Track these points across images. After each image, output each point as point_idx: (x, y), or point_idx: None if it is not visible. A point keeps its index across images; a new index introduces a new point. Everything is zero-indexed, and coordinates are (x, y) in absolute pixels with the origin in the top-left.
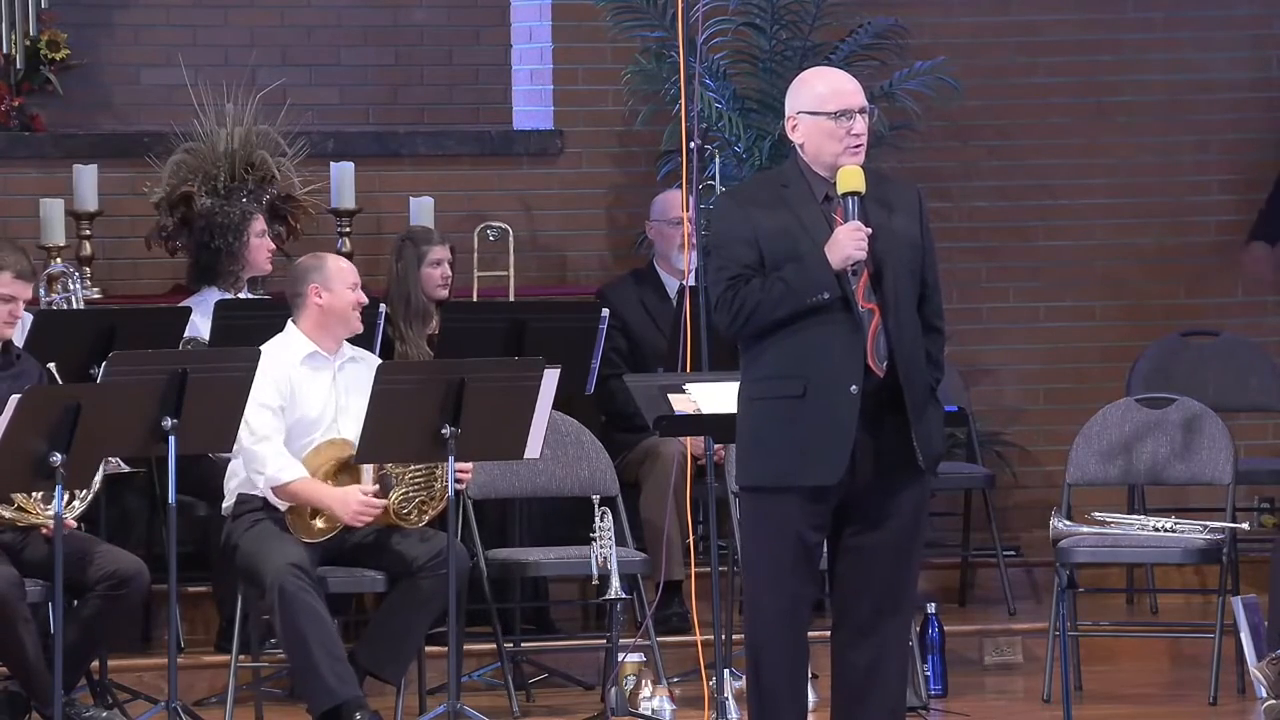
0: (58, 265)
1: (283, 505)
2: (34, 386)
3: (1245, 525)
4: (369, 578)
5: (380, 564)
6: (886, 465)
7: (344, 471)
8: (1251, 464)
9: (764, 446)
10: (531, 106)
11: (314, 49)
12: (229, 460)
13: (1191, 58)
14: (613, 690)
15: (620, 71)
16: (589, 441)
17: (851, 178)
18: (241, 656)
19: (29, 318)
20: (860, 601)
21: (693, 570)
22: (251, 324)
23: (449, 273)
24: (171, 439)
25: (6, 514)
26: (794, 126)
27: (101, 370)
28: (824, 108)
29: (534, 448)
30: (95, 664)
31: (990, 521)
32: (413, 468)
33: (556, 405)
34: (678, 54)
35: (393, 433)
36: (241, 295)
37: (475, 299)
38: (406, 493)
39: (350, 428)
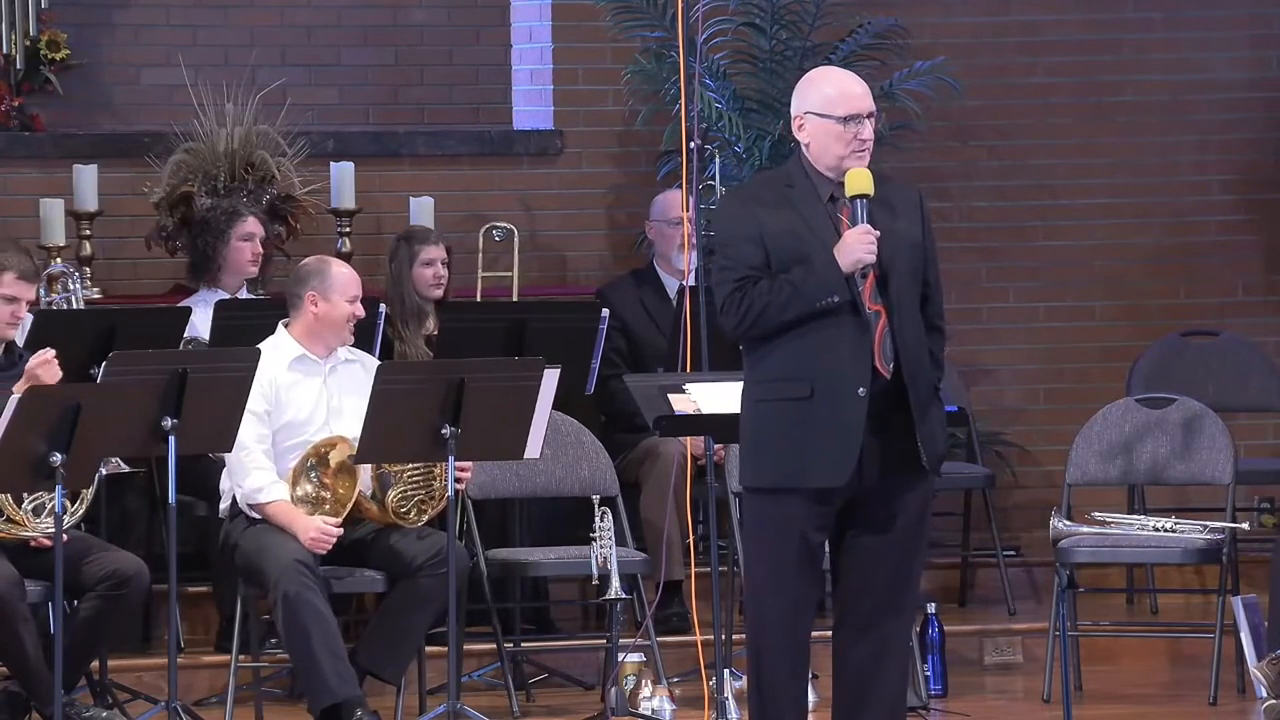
0: (58, 265)
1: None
2: (34, 386)
3: (1245, 525)
4: (369, 578)
5: (380, 564)
6: (892, 466)
7: (343, 471)
8: (1251, 464)
9: (770, 448)
10: (531, 106)
11: (314, 49)
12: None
13: (1191, 58)
14: (613, 690)
15: (620, 71)
16: (589, 441)
17: (860, 180)
18: (241, 656)
19: (29, 318)
20: (862, 601)
21: (693, 570)
22: (251, 324)
23: (442, 272)
24: (171, 439)
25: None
26: (800, 126)
27: (101, 370)
28: (833, 111)
29: (534, 448)
30: (95, 664)
31: (990, 521)
32: (410, 466)
33: (556, 405)
34: (678, 54)
35: (393, 433)
36: (241, 295)
37: (479, 299)
38: (405, 491)
39: (344, 429)
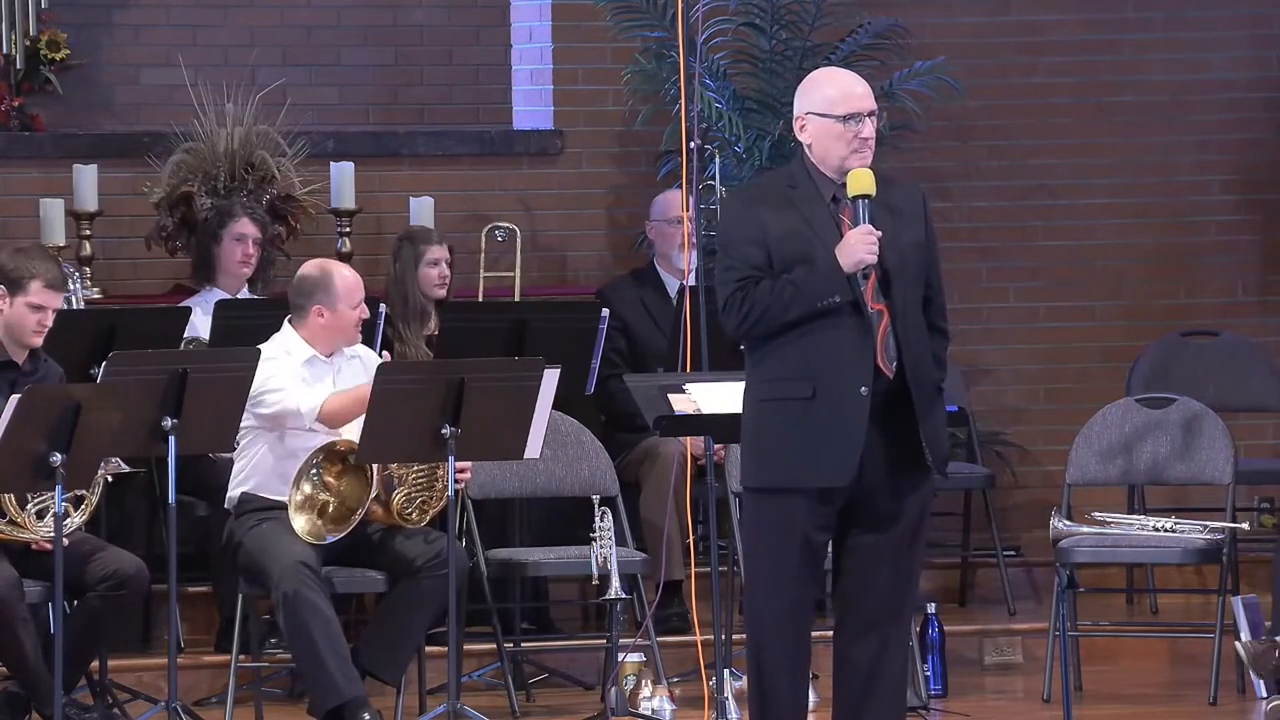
0: None
1: (341, 431)
2: (34, 386)
3: (1245, 525)
4: (370, 578)
5: (381, 564)
6: (895, 466)
7: (348, 472)
8: (1251, 464)
9: (772, 448)
10: (531, 106)
11: (314, 49)
12: (229, 460)
13: (1191, 58)
14: (613, 690)
15: (620, 71)
16: (589, 441)
17: (862, 181)
18: (241, 656)
19: None
20: (864, 600)
21: (693, 570)
22: (251, 324)
23: (446, 272)
24: (171, 439)
25: (1, 531)
26: (802, 127)
27: (101, 370)
28: (833, 110)
29: (534, 448)
30: (95, 664)
31: (990, 521)
32: (415, 468)
33: (556, 405)
34: (678, 54)
35: (393, 433)
36: (241, 295)
37: (481, 299)
38: (409, 493)
39: (351, 430)
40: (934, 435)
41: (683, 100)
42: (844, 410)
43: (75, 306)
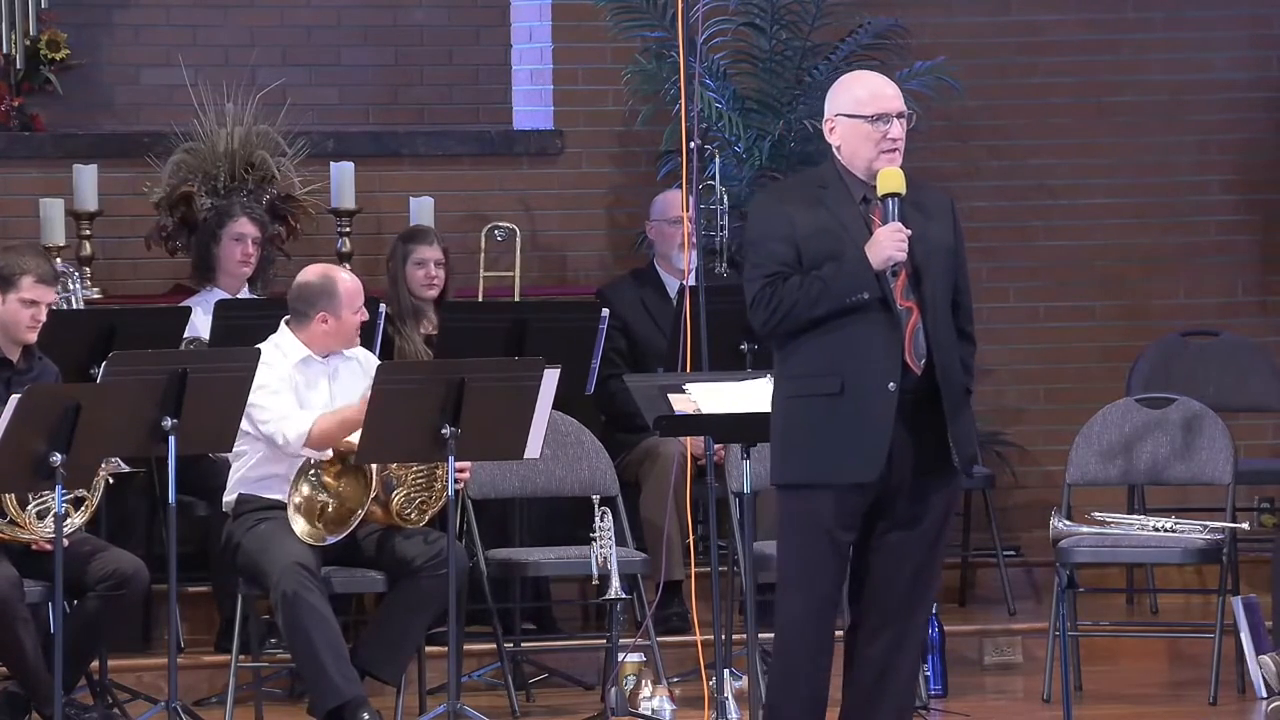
0: (58, 265)
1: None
2: (34, 386)
3: (1245, 525)
4: (370, 578)
5: (381, 564)
6: (922, 464)
7: (347, 473)
8: (1251, 464)
9: (800, 443)
10: (531, 106)
11: (314, 49)
12: (229, 459)
13: (1191, 58)
14: (613, 690)
15: (620, 71)
16: (589, 441)
17: (892, 179)
18: (241, 656)
19: None
20: (883, 598)
21: (693, 570)
22: (251, 324)
23: (434, 273)
24: (171, 439)
25: (2, 531)
26: (832, 129)
27: (101, 370)
28: (861, 111)
29: (534, 448)
30: (95, 664)
31: (990, 521)
32: (414, 468)
33: (556, 405)
34: (678, 54)
35: (393, 433)
36: (241, 295)
37: (480, 299)
38: (409, 494)
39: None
40: (963, 435)
41: (683, 100)
42: (872, 406)
43: (75, 306)
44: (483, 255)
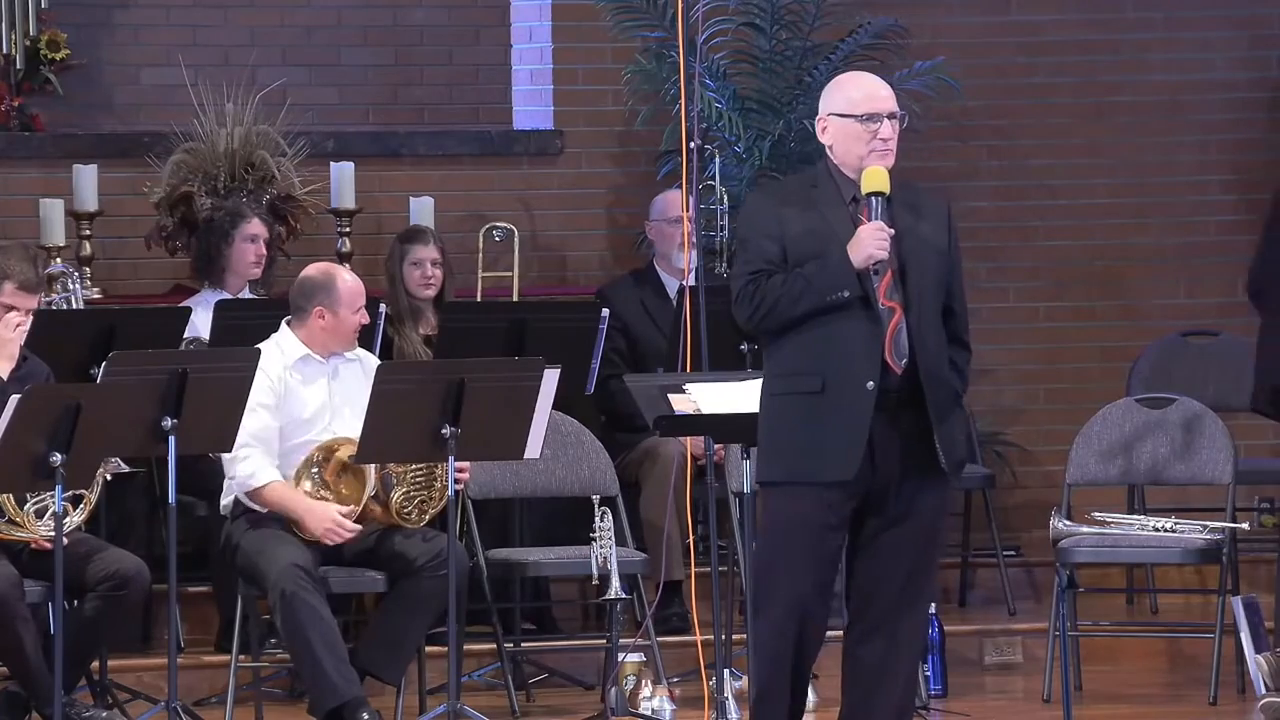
0: (58, 265)
1: (337, 430)
2: (34, 386)
3: (1245, 525)
4: (369, 578)
5: (380, 564)
6: (909, 464)
7: (347, 471)
8: (1251, 464)
9: (782, 442)
10: (531, 106)
11: (314, 49)
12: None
13: (1191, 58)
14: (613, 690)
15: (620, 71)
16: (589, 441)
17: (876, 178)
18: (241, 656)
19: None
20: (876, 599)
21: (693, 570)
22: (252, 324)
23: (431, 273)
24: (171, 439)
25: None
26: (824, 128)
27: (101, 370)
28: (853, 110)
29: (534, 448)
30: (95, 664)
31: (990, 521)
32: (413, 467)
33: (556, 405)
34: (678, 54)
35: (393, 433)
36: (242, 295)
37: (480, 299)
38: (408, 492)
39: (346, 429)
40: (950, 439)
41: (683, 100)
42: (851, 405)
43: (75, 306)
44: (482, 255)
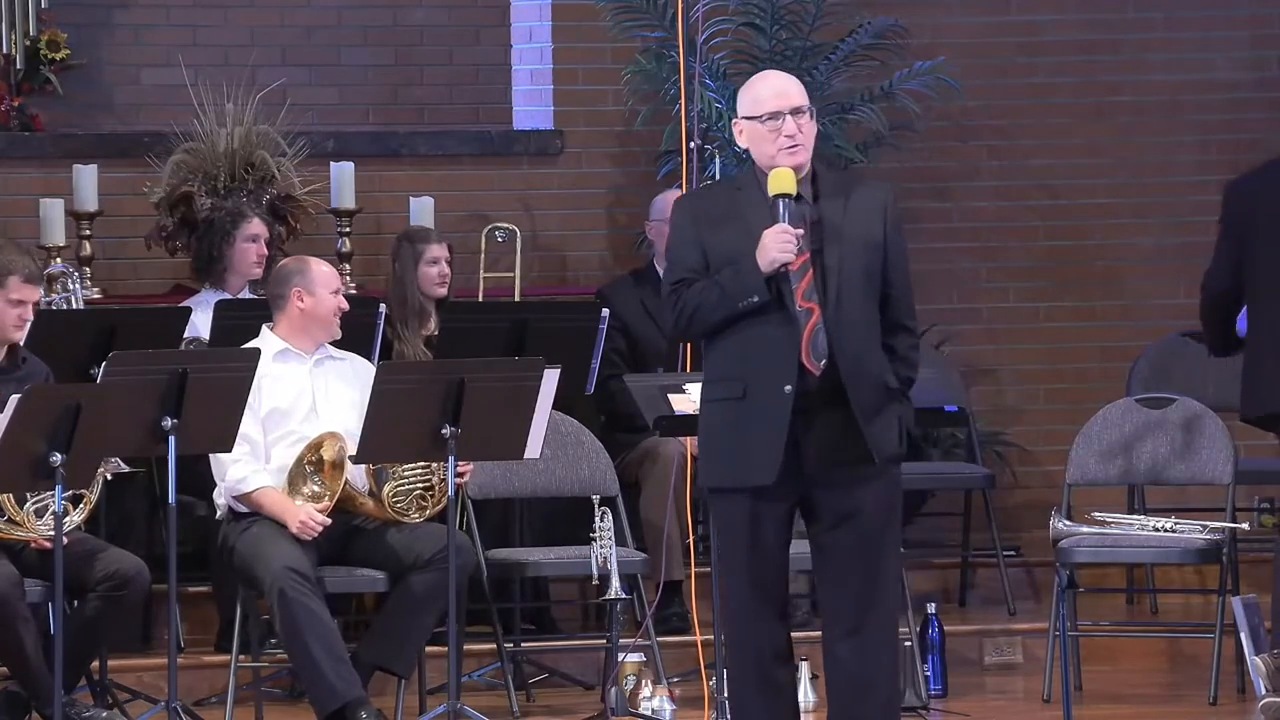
0: (58, 265)
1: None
2: (34, 386)
3: (1245, 525)
4: (369, 577)
5: (383, 561)
6: (841, 462)
7: (336, 468)
8: (1251, 464)
9: (713, 448)
10: (531, 106)
11: (314, 49)
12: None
13: (1191, 58)
14: (613, 690)
15: (620, 71)
16: (589, 441)
17: (781, 180)
18: (241, 656)
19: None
20: (838, 599)
21: (693, 570)
22: (251, 324)
23: (446, 271)
24: (171, 439)
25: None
26: (740, 132)
27: (101, 370)
28: (756, 111)
29: (534, 448)
30: (95, 664)
31: (990, 521)
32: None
33: (556, 405)
34: (678, 54)
35: (393, 433)
36: (242, 295)
37: (481, 299)
38: (400, 485)
39: (329, 421)
40: (881, 435)
41: (683, 100)
42: (769, 409)
43: (75, 306)
44: (483, 255)
